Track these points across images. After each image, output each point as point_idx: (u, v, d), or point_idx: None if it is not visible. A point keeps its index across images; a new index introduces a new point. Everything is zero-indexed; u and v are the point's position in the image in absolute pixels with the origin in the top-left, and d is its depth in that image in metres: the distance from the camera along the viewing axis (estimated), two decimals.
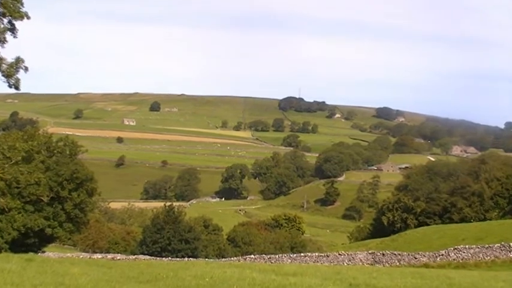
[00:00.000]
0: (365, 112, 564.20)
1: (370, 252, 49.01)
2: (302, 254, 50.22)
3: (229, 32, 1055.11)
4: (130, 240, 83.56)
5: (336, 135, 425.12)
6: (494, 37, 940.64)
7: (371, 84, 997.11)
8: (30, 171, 40.25)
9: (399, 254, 46.49)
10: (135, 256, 55.11)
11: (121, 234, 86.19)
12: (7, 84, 24.71)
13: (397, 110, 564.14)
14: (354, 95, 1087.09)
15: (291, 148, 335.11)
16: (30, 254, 30.23)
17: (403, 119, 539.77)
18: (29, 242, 45.12)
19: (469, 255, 43.78)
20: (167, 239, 71.56)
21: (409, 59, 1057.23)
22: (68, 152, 49.37)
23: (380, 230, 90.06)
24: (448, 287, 18.85)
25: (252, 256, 51.15)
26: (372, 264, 45.25)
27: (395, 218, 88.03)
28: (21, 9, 23.67)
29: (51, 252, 53.20)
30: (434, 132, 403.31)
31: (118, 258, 47.04)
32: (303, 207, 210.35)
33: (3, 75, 24.43)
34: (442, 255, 44.90)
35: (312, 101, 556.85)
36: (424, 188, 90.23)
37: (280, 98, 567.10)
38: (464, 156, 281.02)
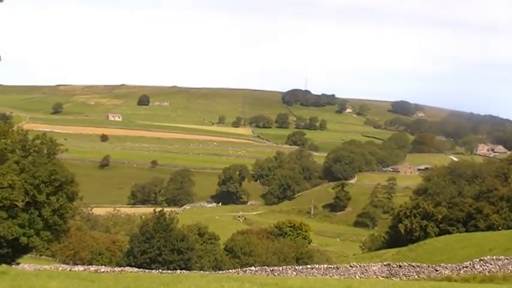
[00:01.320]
0: (379, 106, 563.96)
1: (385, 264, 48.92)
2: (309, 266, 49.97)
3: (226, 16, 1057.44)
4: (116, 250, 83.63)
5: (347, 132, 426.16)
6: None
7: (386, 76, 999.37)
8: (3, 172, 40.22)
9: (418, 266, 46.36)
10: (121, 268, 55.14)
11: (105, 244, 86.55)
12: None
13: (416, 104, 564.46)
14: (367, 87, 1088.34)
15: (297, 147, 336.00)
16: (3, 266, 30.06)
17: (422, 114, 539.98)
18: (1, 252, 45.04)
19: (497, 267, 43.54)
20: (157, 249, 71.74)
21: (429, 47, 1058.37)
22: (45, 152, 49.33)
23: (396, 239, 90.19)
24: None
25: (253, 268, 51.10)
26: (387, 278, 45.34)
27: (414, 226, 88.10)
28: None
29: (26, 264, 53.22)
30: (458, 129, 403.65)
31: (102, 270, 47.03)
32: (309, 213, 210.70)
33: None
34: (466, 267, 44.74)
35: (320, 93, 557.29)
36: (446, 192, 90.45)
37: (285, 90, 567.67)
38: (492, 156, 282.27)
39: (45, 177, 45.90)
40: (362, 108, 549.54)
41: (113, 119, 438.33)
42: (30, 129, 65.42)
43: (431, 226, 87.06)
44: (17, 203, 43.85)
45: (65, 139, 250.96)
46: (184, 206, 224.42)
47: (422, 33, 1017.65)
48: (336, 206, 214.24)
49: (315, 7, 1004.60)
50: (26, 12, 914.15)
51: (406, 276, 45.58)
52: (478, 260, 44.96)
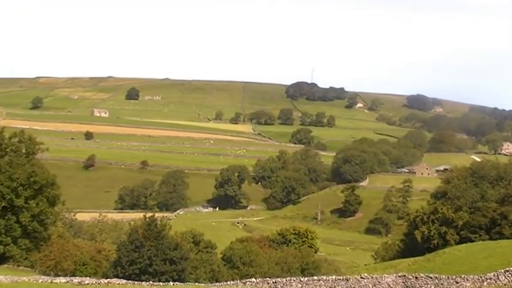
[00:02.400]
0: (394, 101, 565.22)
1: (400, 275, 48.52)
2: (315, 278, 49.64)
3: (225, 1, 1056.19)
4: (102, 260, 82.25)
5: (358, 129, 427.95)
6: None
7: (401, 67, 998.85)
8: None
9: (436, 278, 46.06)
10: (108, 280, 54.61)
11: (90, 253, 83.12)
12: None
13: (434, 99, 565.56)
14: (379, 79, 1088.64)
15: (302, 146, 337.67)
16: None
17: (441, 110, 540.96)
18: None
19: None
20: (148, 258, 71.70)
21: (449, 36, 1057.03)
22: (24, 151, 49.45)
23: (412, 247, 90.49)
24: None
25: (253, 280, 50.93)
26: None
27: (432, 233, 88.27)
28: None
29: (2, 276, 52.28)
30: (480, 125, 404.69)
31: (87, 282, 46.52)
32: (316, 219, 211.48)
33: None
34: (490, 279, 44.47)
35: (327, 86, 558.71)
36: (467, 196, 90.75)
37: (289, 83, 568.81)
38: None
39: (23, 180, 45.98)
40: (374, 102, 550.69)
41: (98, 114, 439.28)
42: (7, 126, 65.52)
43: (451, 233, 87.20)
44: None
45: (45, 137, 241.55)
46: (178, 211, 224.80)
47: (441, 21, 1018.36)
48: (345, 211, 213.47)
49: None
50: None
51: None
52: (503, 271, 44.62)
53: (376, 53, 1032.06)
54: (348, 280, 47.94)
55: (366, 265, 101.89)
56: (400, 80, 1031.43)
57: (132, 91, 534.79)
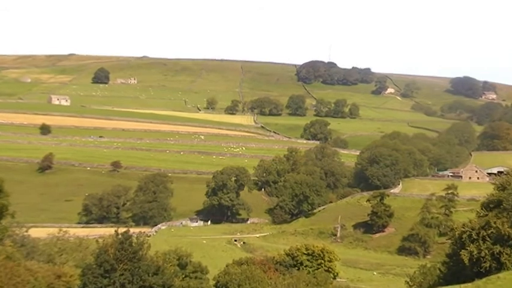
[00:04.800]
0: (434, 85, 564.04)
1: None
2: None
3: None
4: (63, 287, 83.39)
5: (388, 121, 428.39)
6: None
7: (443, 42, 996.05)
8: None
9: None
10: None
11: (47, 279, 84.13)
12: None
13: (485, 82, 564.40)
14: (415, 58, 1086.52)
15: (317, 142, 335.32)
16: None
17: (494, 96, 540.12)
18: None
19: None
20: (120, 285, 72.35)
21: (502, 4, 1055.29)
22: None
23: (458, 271, 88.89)
24: None
25: None
26: None
27: (483, 253, 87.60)
28: None
29: None
30: None
31: None
32: (335, 235, 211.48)
33: None
34: None
35: (349, 67, 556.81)
36: None
37: (300, 62, 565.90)
38: None
39: None
40: (409, 87, 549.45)
41: (57, 102, 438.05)
42: None
43: (506, 253, 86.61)
44: None
45: None
46: (159, 226, 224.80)
47: None
48: (372, 225, 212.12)
49: None
50: None
51: None
52: None
53: (410, 24, 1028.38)
54: None
55: None
56: (442, 59, 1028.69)
57: (101, 73, 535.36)
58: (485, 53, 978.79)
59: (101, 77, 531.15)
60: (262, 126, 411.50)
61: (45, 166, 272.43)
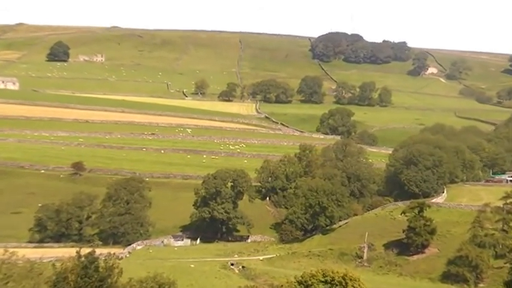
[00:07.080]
0: (488, 64, 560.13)
1: None
2: None
3: None
4: None
5: (429, 109, 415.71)
6: None
7: (500, 10, 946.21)
8: None
9: None
10: None
11: None
12: None
13: None
14: (464, 30, 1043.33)
15: (338, 137, 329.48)
16: None
17: None
18: None
19: None
20: None
21: None
22: None
23: None
24: None
25: None
26: None
27: None
28: None
29: None
30: None
31: None
32: (361, 258, 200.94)
33: None
34: None
35: (379, 40, 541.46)
36: None
37: (316, 35, 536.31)
38: None
39: None
40: (456, 66, 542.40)
41: (2, 86, 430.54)
42: None
43: None
44: None
45: None
46: (133, 246, 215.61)
47: None
48: (408, 245, 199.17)
49: None
50: None
51: None
52: None
53: None
54: None
55: None
56: (499, 31, 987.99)
57: (58, 47, 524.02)
58: None
59: (58, 53, 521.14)
60: (266, 117, 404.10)
61: None
